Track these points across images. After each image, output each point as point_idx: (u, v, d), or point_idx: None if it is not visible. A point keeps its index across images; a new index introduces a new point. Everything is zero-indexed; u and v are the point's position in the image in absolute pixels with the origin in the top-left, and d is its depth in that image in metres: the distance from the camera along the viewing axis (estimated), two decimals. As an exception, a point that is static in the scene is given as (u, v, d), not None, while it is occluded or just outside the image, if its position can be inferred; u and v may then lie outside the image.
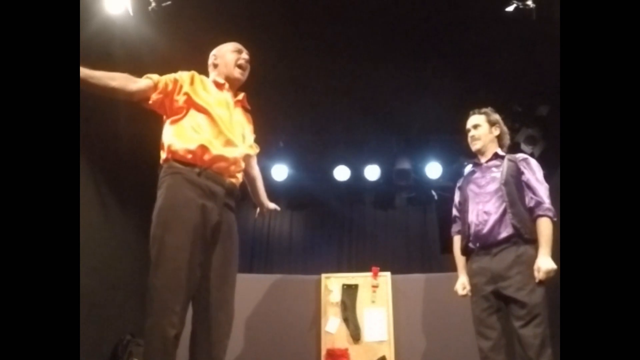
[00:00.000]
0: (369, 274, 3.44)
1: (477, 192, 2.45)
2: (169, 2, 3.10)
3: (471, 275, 2.40)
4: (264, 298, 3.30)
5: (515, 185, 2.34)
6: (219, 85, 2.21)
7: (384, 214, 5.86)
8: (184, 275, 1.83)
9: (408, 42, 3.80)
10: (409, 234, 5.79)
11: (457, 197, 2.63)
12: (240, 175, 2.15)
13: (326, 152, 5.30)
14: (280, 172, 5.16)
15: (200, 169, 1.95)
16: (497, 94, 4.21)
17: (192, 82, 2.11)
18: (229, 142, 2.05)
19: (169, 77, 2.09)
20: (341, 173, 5.31)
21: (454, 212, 2.63)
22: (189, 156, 1.96)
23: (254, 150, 2.37)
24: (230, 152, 2.04)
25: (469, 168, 2.76)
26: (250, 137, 2.30)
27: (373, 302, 3.37)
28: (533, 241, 2.28)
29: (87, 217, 3.68)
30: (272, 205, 2.54)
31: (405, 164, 5.23)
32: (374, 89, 4.30)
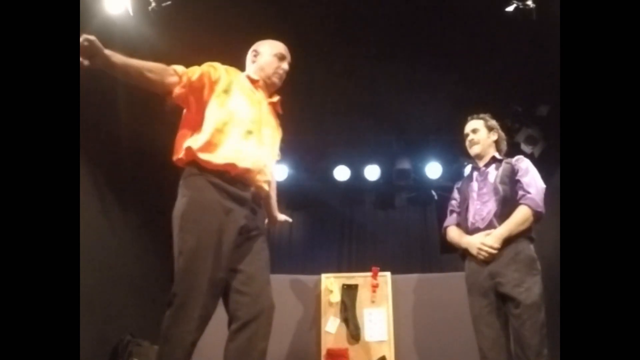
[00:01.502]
0: (369, 274, 3.44)
1: (477, 194, 2.47)
2: (169, 2, 3.11)
3: (468, 273, 2.41)
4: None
5: (511, 185, 2.38)
6: (253, 82, 2.12)
7: (384, 214, 5.87)
8: (205, 282, 1.75)
9: (408, 42, 3.80)
10: (409, 234, 5.79)
11: (456, 196, 2.65)
12: (266, 185, 2.03)
13: (326, 152, 5.30)
14: (280, 172, 5.17)
15: (225, 176, 1.88)
16: (497, 94, 4.21)
17: (227, 79, 2.00)
18: (256, 149, 1.96)
19: (195, 71, 1.96)
20: (341, 173, 5.31)
21: (452, 207, 2.64)
22: (214, 167, 1.87)
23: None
24: (256, 162, 1.94)
25: (468, 169, 2.78)
26: (278, 143, 2.19)
27: (373, 302, 3.37)
28: (531, 239, 2.31)
29: (87, 217, 3.67)
30: (282, 217, 2.42)
31: (405, 164, 5.24)
32: (374, 89, 4.30)
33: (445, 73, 4.06)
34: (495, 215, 2.34)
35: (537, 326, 2.12)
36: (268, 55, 2.16)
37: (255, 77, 2.12)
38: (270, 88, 2.17)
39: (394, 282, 3.40)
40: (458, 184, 2.69)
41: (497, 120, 2.68)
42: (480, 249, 2.26)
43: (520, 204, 2.30)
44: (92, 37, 1.68)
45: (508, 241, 2.26)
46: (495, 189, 2.39)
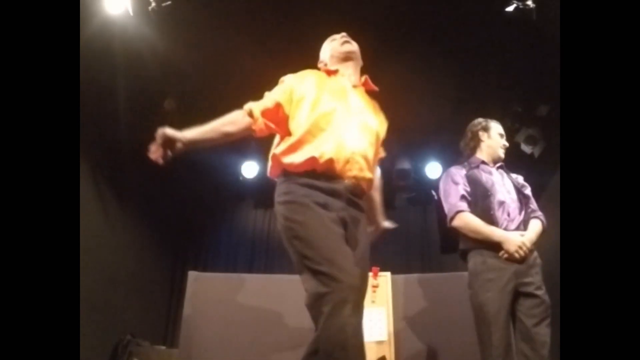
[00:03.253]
0: (369, 274, 3.44)
1: (502, 193, 2.45)
2: (169, 2, 3.11)
3: (485, 268, 2.30)
4: (264, 298, 3.30)
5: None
6: (331, 73, 2.07)
7: (384, 214, 5.85)
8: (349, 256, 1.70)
9: (408, 42, 3.81)
10: (409, 234, 5.79)
11: (463, 181, 2.51)
12: (362, 172, 1.87)
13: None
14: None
15: (311, 173, 1.81)
16: (497, 94, 4.21)
17: (299, 86, 1.97)
18: (338, 139, 1.84)
19: (265, 101, 1.95)
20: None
21: (462, 192, 2.46)
22: (297, 167, 1.84)
23: (383, 152, 2.12)
24: (340, 151, 1.82)
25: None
26: (376, 130, 2.01)
27: (373, 302, 3.36)
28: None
29: (87, 217, 3.68)
30: (387, 224, 2.24)
31: (405, 164, 5.23)
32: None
33: (445, 73, 4.06)
34: (522, 221, 2.40)
35: (550, 327, 2.18)
36: (326, 44, 2.16)
37: (332, 67, 2.09)
38: (349, 58, 2.09)
39: (394, 282, 3.39)
40: (461, 171, 2.55)
41: (497, 120, 2.69)
42: (520, 247, 2.26)
43: (534, 217, 2.41)
44: (168, 131, 1.77)
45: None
46: (522, 194, 2.47)
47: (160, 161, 1.79)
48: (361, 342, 1.68)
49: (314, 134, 1.86)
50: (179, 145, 1.80)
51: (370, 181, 1.93)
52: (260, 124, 1.92)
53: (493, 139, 2.60)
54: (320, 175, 1.80)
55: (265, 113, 1.93)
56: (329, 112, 1.89)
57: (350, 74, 2.08)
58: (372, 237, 2.16)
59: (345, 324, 1.64)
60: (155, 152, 1.79)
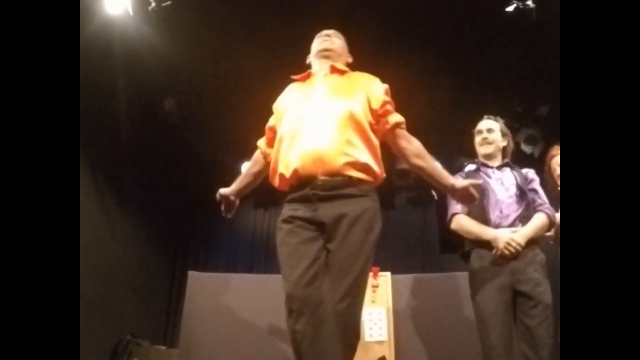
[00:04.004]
0: (369, 274, 3.44)
1: (499, 192, 2.44)
2: (169, 2, 3.11)
3: (482, 268, 2.33)
4: (264, 298, 3.30)
5: (528, 194, 2.46)
6: (304, 79, 2.07)
7: (384, 214, 5.82)
8: (300, 291, 1.68)
9: (408, 42, 3.81)
10: (409, 234, 5.79)
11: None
12: (334, 163, 1.78)
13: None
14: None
15: (290, 189, 1.87)
16: (497, 94, 4.22)
17: (278, 107, 2.04)
18: (298, 146, 1.82)
19: (267, 134, 2.09)
20: (341, 173, 5.30)
21: None
22: (279, 188, 1.93)
23: (393, 119, 2.06)
24: (301, 157, 1.80)
25: (471, 167, 2.71)
26: (349, 104, 1.87)
27: (373, 302, 3.37)
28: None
29: (87, 217, 3.68)
30: (462, 183, 2.00)
31: (405, 164, 5.22)
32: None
33: (445, 73, 4.07)
34: (519, 217, 2.37)
35: (552, 327, 2.14)
36: (314, 41, 2.15)
37: (311, 67, 2.11)
38: (333, 58, 2.06)
39: (394, 282, 3.40)
40: (462, 175, 2.57)
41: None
42: (509, 243, 2.25)
43: (539, 211, 2.36)
44: (222, 191, 2.11)
45: (528, 243, 2.28)
46: (522, 192, 2.43)
47: (230, 216, 2.19)
48: (320, 348, 1.63)
49: (279, 150, 1.91)
50: (232, 198, 2.12)
51: (358, 163, 1.82)
52: (270, 154, 2.02)
53: (477, 137, 2.62)
54: (296, 187, 1.84)
55: (268, 143, 2.06)
56: (289, 121, 1.92)
57: (326, 67, 2.05)
58: (464, 202, 2.12)
59: (293, 333, 1.69)
60: (225, 212, 2.15)
